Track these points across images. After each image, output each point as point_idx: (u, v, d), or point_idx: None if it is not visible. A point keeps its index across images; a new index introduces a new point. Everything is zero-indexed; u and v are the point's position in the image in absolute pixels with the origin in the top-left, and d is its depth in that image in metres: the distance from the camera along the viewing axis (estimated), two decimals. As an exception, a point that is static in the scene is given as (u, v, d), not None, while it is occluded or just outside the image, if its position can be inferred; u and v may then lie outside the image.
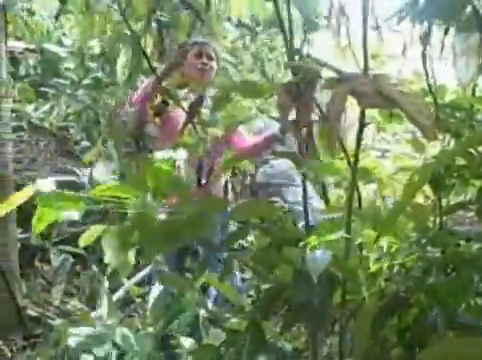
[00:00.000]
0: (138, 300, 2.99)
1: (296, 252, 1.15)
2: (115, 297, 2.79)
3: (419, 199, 1.56)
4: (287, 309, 1.19)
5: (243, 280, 2.89)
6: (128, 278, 2.98)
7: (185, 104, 1.55)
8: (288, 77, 1.13)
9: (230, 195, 2.55)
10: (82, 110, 4.43)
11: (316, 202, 2.35)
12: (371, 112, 1.72)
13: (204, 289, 2.17)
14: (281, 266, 1.17)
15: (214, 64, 2.54)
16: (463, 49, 1.34)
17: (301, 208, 1.32)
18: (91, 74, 4.60)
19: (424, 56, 1.35)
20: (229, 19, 4.98)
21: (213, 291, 2.37)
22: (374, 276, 1.19)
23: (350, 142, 1.14)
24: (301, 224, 1.38)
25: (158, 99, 2.18)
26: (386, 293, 1.18)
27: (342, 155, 1.13)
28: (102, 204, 1.13)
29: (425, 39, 1.33)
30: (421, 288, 1.14)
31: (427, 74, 1.39)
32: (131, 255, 1.16)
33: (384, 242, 1.22)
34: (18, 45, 4.73)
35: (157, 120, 2.36)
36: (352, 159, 1.08)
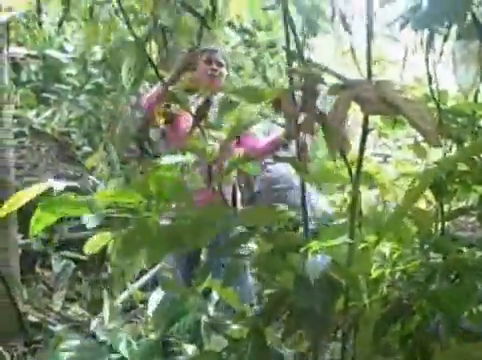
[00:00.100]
0: (141, 306, 2.99)
1: (297, 258, 1.14)
2: (118, 301, 2.78)
3: (421, 205, 1.56)
4: (289, 315, 1.19)
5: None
6: (131, 282, 2.97)
7: (193, 109, 1.56)
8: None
9: (239, 197, 2.55)
10: (84, 116, 4.44)
11: (314, 197, 2.71)
12: (372, 118, 1.71)
13: (206, 294, 2.16)
14: (283, 272, 1.16)
15: (224, 70, 2.58)
16: (463, 56, 1.34)
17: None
18: (93, 80, 4.60)
19: (427, 61, 1.36)
20: (230, 24, 4.99)
21: (215, 296, 2.36)
22: (376, 282, 1.19)
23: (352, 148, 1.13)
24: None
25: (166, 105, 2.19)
26: (389, 300, 1.17)
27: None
28: (106, 209, 1.13)
29: (428, 44, 1.34)
30: (424, 295, 1.14)
31: (430, 79, 1.39)
32: (140, 260, 1.16)
33: (386, 248, 1.22)
34: (20, 51, 4.73)
35: (163, 124, 2.37)
36: (354, 164, 1.08)
